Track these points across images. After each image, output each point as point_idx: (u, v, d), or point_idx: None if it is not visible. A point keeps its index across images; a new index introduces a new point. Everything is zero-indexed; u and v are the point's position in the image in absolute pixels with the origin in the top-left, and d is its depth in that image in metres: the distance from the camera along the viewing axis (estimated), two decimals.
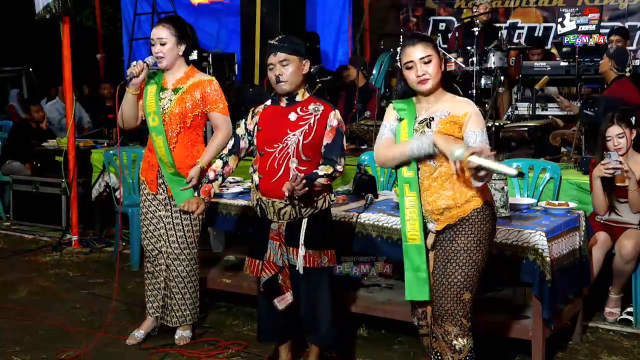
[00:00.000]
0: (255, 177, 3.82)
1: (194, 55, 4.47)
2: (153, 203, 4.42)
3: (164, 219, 4.39)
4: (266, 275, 3.85)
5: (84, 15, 13.42)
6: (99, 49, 11.03)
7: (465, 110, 3.25)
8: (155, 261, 4.46)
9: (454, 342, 3.26)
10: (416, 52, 3.26)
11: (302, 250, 3.75)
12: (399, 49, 3.39)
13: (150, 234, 4.45)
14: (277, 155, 3.72)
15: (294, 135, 3.70)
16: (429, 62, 3.25)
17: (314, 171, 3.66)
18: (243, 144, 3.90)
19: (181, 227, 4.37)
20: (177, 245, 4.37)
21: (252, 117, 3.87)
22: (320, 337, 3.88)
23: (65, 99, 7.22)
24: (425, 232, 3.39)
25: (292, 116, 3.75)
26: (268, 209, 3.77)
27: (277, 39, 3.79)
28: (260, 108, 3.90)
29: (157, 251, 4.44)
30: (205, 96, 4.34)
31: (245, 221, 4.70)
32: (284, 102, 3.80)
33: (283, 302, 3.88)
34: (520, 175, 2.98)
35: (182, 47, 4.36)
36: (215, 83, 4.41)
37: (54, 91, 11.08)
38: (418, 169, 3.32)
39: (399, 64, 3.35)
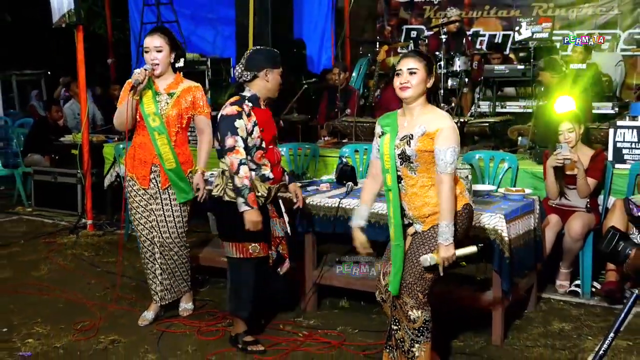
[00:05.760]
0: (267, 172, 3.84)
1: (180, 63, 4.38)
2: (144, 197, 4.29)
3: (155, 212, 4.28)
4: (274, 250, 3.96)
5: (97, 25, 13.31)
6: (109, 55, 10.95)
7: (438, 126, 3.18)
8: (148, 252, 4.36)
9: (410, 312, 3.25)
10: (406, 63, 3.25)
11: (286, 217, 4.02)
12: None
13: (142, 226, 4.33)
14: (276, 149, 3.96)
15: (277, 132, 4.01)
16: (414, 74, 3.22)
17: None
18: (251, 142, 3.80)
19: (172, 219, 4.28)
20: (168, 235, 4.28)
21: (247, 116, 3.77)
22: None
23: (80, 99, 7.17)
24: (407, 232, 3.37)
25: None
26: (272, 193, 3.89)
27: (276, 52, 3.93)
28: (248, 108, 3.79)
29: (149, 241, 4.33)
30: (195, 101, 4.28)
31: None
32: (263, 104, 3.88)
33: (284, 267, 4.04)
34: (480, 247, 3.25)
35: (173, 55, 4.28)
36: (201, 89, 4.35)
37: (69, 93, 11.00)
38: (400, 179, 3.30)
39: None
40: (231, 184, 3.76)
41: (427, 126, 3.20)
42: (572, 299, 4.75)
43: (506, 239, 3.83)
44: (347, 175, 4.74)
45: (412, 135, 3.22)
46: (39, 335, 4.23)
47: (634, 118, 5.19)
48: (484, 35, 9.17)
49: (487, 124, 6.47)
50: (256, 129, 3.77)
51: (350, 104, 7.57)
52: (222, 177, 3.85)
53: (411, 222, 3.34)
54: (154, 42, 4.21)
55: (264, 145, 3.82)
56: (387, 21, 10.00)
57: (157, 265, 4.35)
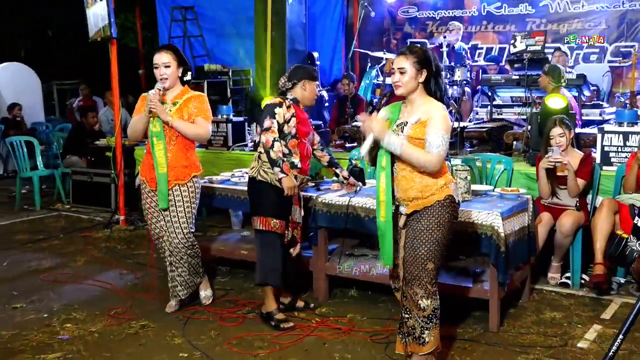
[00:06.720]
0: (296, 160, 4.04)
1: (188, 76, 4.32)
2: (154, 199, 4.24)
3: (163, 213, 4.24)
4: (289, 232, 4.13)
5: (129, 39, 13.36)
6: (140, 66, 11.00)
7: (430, 114, 3.15)
8: (161, 248, 4.34)
9: (420, 301, 3.21)
10: (397, 62, 3.21)
11: (301, 209, 4.27)
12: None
13: (154, 225, 4.29)
14: (308, 145, 4.15)
15: (312, 133, 4.22)
16: (403, 73, 3.18)
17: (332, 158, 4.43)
18: (286, 129, 4.02)
19: (177, 219, 4.22)
20: (175, 235, 4.23)
21: (287, 107, 4.02)
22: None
23: (113, 106, 7.21)
24: (397, 213, 3.33)
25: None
26: (297, 182, 4.08)
27: (314, 69, 4.22)
28: (289, 102, 4.05)
29: (161, 239, 4.31)
30: (197, 107, 4.22)
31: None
32: (301, 106, 4.13)
33: (296, 250, 4.24)
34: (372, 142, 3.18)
35: (180, 70, 4.24)
36: (205, 98, 4.30)
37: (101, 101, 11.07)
38: (394, 163, 3.28)
39: None
40: (265, 166, 3.99)
41: (423, 115, 3.17)
42: (563, 290, 4.72)
43: (502, 234, 3.81)
44: (356, 176, 4.73)
45: (406, 123, 3.20)
46: (76, 321, 4.26)
47: (620, 124, 5.15)
48: (482, 48, 9.13)
49: (484, 129, 6.44)
50: (293, 119, 4.02)
51: (359, 111, 7.57)
52: (258, 160, 4.09)
53: (397, 204, 3.31)
54: (162, 59, 4.19)
55: (297, 135, 4.04)
56: (392, 35, 9.95)
57: (169, 262, 4.34)
